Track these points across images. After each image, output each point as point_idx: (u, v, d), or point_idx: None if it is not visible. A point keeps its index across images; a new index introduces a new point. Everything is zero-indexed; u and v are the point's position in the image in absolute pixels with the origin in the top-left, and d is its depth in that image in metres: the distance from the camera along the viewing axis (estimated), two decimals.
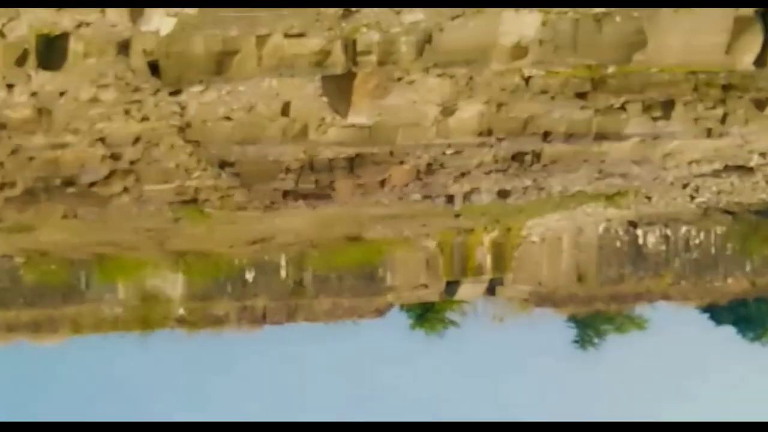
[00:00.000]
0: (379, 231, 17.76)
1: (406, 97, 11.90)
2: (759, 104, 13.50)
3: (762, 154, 15.58)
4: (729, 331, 21.97)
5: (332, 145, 12.65)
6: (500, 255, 19.43)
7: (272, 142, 12.32)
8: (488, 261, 19.38)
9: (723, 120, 13.56)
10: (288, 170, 13.27)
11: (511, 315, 20.32)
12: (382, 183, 13.71)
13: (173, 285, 17.52)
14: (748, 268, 20.96)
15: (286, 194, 13.82)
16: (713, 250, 20.60)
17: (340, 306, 19.06)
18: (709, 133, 13.66)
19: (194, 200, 14.02)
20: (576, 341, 21.84)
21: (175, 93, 11.08)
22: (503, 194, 15.08)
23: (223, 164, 12.99)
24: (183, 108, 11.54)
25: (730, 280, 20.91)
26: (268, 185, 13.41)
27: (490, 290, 20.34)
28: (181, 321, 17.94)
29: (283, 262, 18.20)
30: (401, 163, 13.40)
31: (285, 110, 11.95)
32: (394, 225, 17.28)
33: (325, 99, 11.51)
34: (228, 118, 11.97)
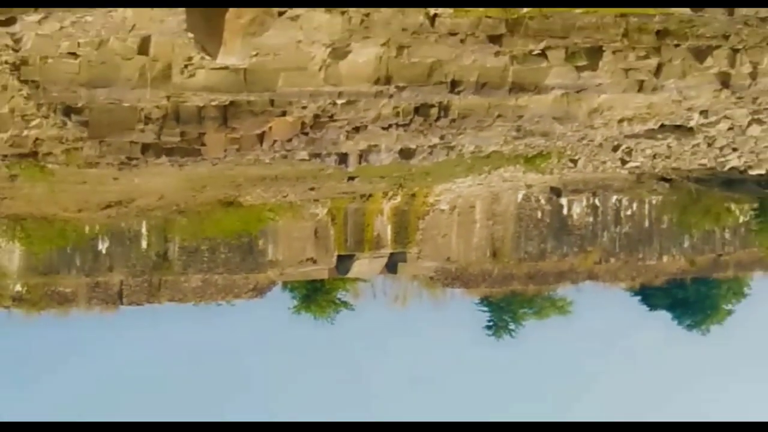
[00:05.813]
0: (258, 195, 17.95)
1: (289, 35, 11.78)
2: (698, 54, 13.58)
3: (703, 113, 15.47)
4: (663, 316, 23.55)
5: (201, 90, 12.45)
6: (403, 225, 19.64)
7: (127, 84, 12.12)
8: (389, 232, 19.62)
9: (657, 72, 13.71)
10: (147, 120, 13.06)
11: (415, 296, 20.57)
12: (261, 137, 13.56)
13: (9, 256, 17.62)
14: (686, 243, 22.28)
15: (145, 148, 13.62)
16: (647, 223, 21.80)
17: (213, 284, 19.27)
18: (641, 86, 13.77)
19: (33, 154, 13.90)
20: (489, 327, 22.33)
21: (7, 23, 10.89)
22: (406, 154, 14.99)
23: (68, 111, 12.73)
24: (17, 41, 11.47)
25: (665, 258, 22.48)
26: (123, 137, 13.19)
27: (391, 267, 20.52)
28: (19, 300, 18.09)
29: (143, 231, 18.60)
30: (283, 113, 13.26)
31: (143, 47, 11.90)
32: (277, 188, 17.49)
33: (190, 35, 11.25)
34: (73, 55, 11.89)
